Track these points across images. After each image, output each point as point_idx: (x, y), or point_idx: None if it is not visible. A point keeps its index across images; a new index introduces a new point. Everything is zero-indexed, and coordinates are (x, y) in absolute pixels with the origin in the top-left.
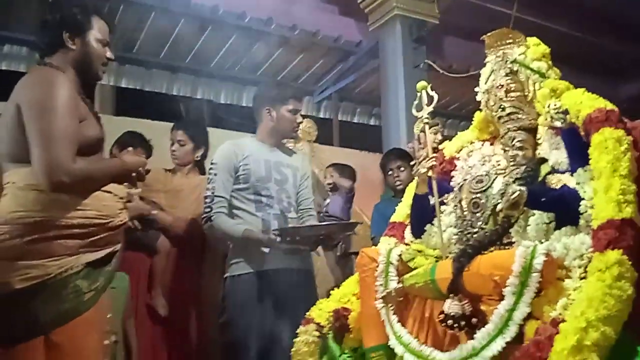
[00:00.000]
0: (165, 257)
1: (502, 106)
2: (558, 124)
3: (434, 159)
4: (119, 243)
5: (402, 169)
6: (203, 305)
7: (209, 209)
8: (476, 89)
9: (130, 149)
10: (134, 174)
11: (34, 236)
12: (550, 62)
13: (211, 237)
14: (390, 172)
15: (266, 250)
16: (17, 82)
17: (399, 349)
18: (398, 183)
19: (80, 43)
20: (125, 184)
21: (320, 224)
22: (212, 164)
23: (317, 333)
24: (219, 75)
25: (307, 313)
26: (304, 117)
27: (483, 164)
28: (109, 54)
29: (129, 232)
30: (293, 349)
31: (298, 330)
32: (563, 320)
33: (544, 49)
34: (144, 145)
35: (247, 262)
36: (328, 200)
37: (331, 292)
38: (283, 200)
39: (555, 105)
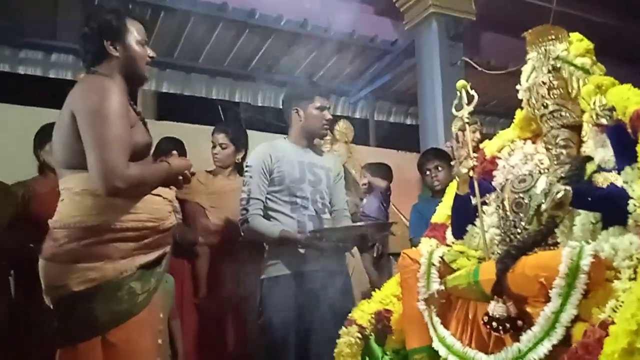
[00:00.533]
0: (206, 260)
1: (544, 104)
2: (604, 121)
3: (475, 158)
4: (169, 245)
5: (440, 168)
6: (243, 306)
7: (245, 211)
8: (516, 87)
9: (175, 152)
10: (180, 177)
11: (90, 239)
12: (594, 58)
13: (248, 238)
14: (427, 172)
15: (302, 250)
16: (65, 89)
17: (442, 351)
18: (436, 183)
19: (122, 48)
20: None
21: (356, 224)
22: (246, 166)
23: (359, 334)
24: (256, 78)
25: (349, 314)
26: (339, 117)
27: (525, 163)
28: (150, 52)
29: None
30: (336, 350)
31: (340, 332)
32: (612, 323)
33: (588, 44)
34: (182, 149)
35: (284, 264)
36: (364, 201)
37: (370, 293)
38: (317, 201)
39: (600, 101)
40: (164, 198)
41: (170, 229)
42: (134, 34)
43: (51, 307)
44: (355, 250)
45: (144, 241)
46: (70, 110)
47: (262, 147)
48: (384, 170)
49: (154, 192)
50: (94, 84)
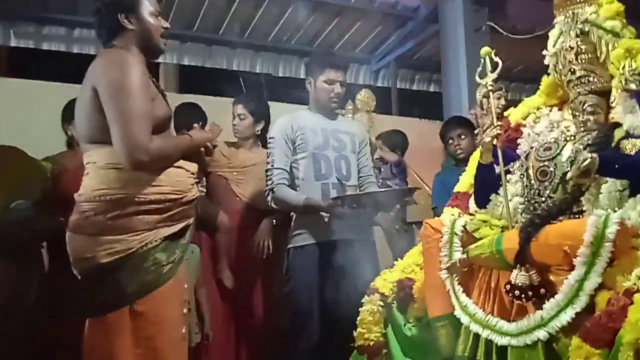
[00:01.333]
0: (227, 233)
1: (572, 69)
2: (633, 86)
3: (499, 126)
4: (192, 217)
5: (463, 137)
6: (269, 276)
7: (270, 182)
8: (543, 52)
9: (196, 125)
10: (202, 149)
11: (115, 212)
12: (624, 21)
13: (275, 207)
14: (450, 141)
15: (326, 218)
16: (89, 64)
17: (464, 319)
18: (459, 152)
19: (136, 21)
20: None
21: (378, 190)
22: (270, 138)
23: (381, 303)
24: (277, 49)
25: (372, 283)
26: (360, 87)
27: (551, 131)
28: (164, 24)
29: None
30: (358, 318)
31: (363, 300)
32: (637, 291)
33: (618, 6)
34: (202, 116)
35: (310, 233)
36: (382, 172)
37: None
38: (342, 167)
39: (630, 66)
40: (186, 170)
41: (193, 201)
42: (147, 5)
43: (79, 278)
44: (381, 218)
45: (168, 213)
46: (92, 85)
47: (284, 119)
48: (395, 140)
49: (176, 164)
50: (114, 58)
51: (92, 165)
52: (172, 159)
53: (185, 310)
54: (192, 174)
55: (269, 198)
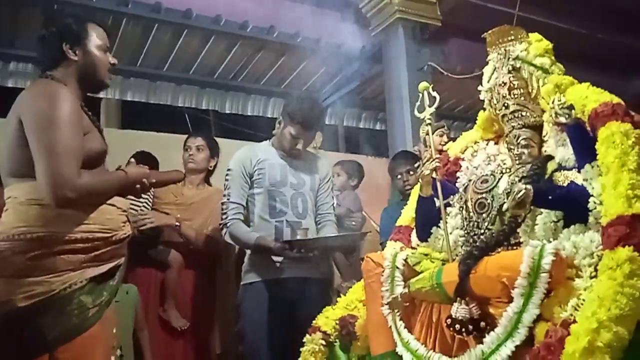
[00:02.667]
0: (177, 271)
1: (505, 104)
2: (563, 119)
3: (437, 159)
4: (123, 257)
5: (411, 172)
6: (219, 314)
7: (225, 216)
8: (478, 88)
9: (132, 160)
10: (137, 186)
11: (36, 252)
12: (553, 58)
13: (229, 244)
14: (399, 176)
15: (277, 259)
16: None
17: (406, 356)
18: (407, 187)
19: (81, 53)
20: (129, 196)
21: (327, 235)
22: (227, 170)
23: (323, 342)
24: (223, 85)
25: (313, 321)
26: None
27: (488, 164)
28: (111, 59)
29: (138, 248)
30: (300, 359)
31: (305, 339)
32: (574, 321)
33: (547, 44)
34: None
35: (261, 270)
36: (341, 196)
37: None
38: (298, 205)
39: (559, 100)
40: (117, 208)
41: (124, 239)
42: (95, 39)
43: None
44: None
45: (95, 252)
46: (18, 115)
47: (243, 150)
48: (352, 167)
49: (108, 202)
50: (43, 89)
51: (13, 201)
52: (103, 195)
53: (112, 358)
54: (124, 211)
55: (223, 232)
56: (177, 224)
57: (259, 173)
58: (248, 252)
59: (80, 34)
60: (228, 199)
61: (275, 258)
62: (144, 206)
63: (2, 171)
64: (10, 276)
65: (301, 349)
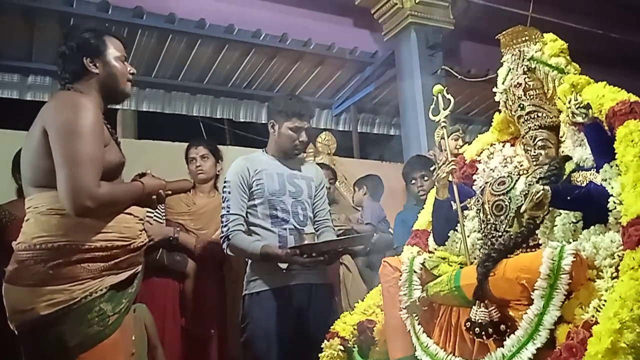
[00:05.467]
0: (194, 281)
1: (521, 105)
2: (580, 119)
3: (454, 162)
4: (141, 264)
5: (425, 178)
6: (227, 324)
7: (226, 228)
8: (493, 90)
9: (148, 171)
10: (154, 197)
11: (57, 261)
12: (568, 57)
13: (231, 255)
14: (413, 182)
15: (284, 266)
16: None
17: None
18: (422, 192)
19: (102, 65)
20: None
21: (336, 238)
22: (225, 182)
23: (341, 347)
24: (237, 94)
25: (331, 327)
26: (322, 130)
27: (505, 166)
28: (131, 69)
29: (156, 259)
30: None
31: (323, 345)
32: (596, 323)
33: (562, 44)
34: None
35: (266, 279)
36: (363, 208)
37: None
38: (299, 213)
39: (576, 100)
40: (134, 216)
41: (141, 247)
42: (113, 50)
43: (16, 332)
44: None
45: (114, 261)
46: (42, 126)
47: (239, 161)
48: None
49: (125, 210)
50: (68, 100)
51: (34, 211)
52: (120, 205)
53: None
54: (141, 220)
55: (224, 245)
56: (175, 235)
57: (257, 184)
58: (249, 261)
59: (99, 47)
60: (228, 211)
61: (281, 265)
62: (155, 217)
63: (24, 181)
64: (32, 285)
65: (311, 355)
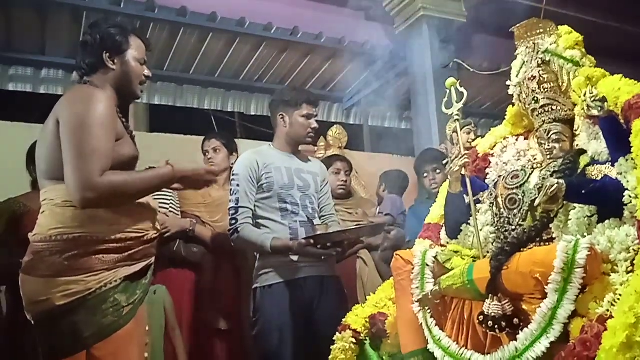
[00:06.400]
0: (210, 272)
1: (535, 98)
2: (595, 112)
3: (466, 156)
4: (154, 256)
5: (438, 171)
6: (242, 317)
7: (234, 221)
8: (507, 83)
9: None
10: (204, 179)
11: (73, 252)
12: (584, 50)
13: (239, 248)
14: (425, 175)
15: (295, 258)
16: (55, 104)
17: (438, 353)
18: (434, 186)
19: (120, 63)
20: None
21: (350, 227)
22: (233, 174)
23: (353, 340)
24: (248, 87)
25: (343, 320)
26: (332, 124)
27: (518, 159)
28: (147, 72)
29: (173, 251)
30: (330, 357)
31: (335, 338)
32: (610, 317)
33: (577, 36)
34: None
35: (277, 272)
36: (384, 203)
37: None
38: (307, 206)
39: (591, 93)
40: (148, 209)
41: (155, 239)
42: (134, 51)
43: (32, 322)
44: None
45: (128, 252)
46: (56, 117)
47: (248, 154)
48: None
49: (138, 202)
50: (81, 93)
51: (49, 203)
52: (132, 195)
53: (146, 354)
54: (154, 212)
55: (232, 238)
56: (190, 228)
57: (267, 177)
58: (257, 255)
59: (121, 45)
60: (237, 204)
61: (293, 257)
62: (170, 207)
63: (38, 174)
64: (48, 276)
65: (323, 348)
